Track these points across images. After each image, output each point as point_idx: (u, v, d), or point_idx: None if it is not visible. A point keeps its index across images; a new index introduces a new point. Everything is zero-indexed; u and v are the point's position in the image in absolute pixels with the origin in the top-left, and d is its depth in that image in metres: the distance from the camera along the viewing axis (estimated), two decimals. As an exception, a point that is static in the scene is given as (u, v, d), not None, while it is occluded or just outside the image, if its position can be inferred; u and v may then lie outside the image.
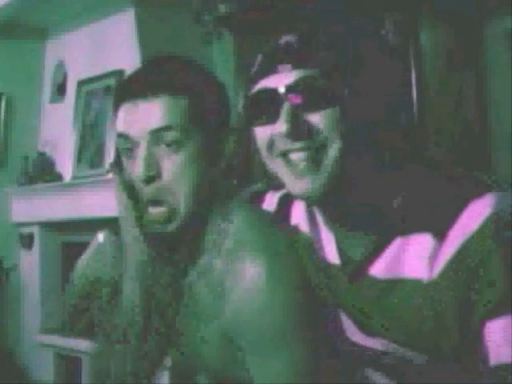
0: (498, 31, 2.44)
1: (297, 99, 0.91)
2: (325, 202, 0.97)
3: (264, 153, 0.98)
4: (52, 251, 3.92)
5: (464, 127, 2.38)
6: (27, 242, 3.93)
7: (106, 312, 1.10)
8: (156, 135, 1.00)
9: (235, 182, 1.12)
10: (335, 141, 0.91)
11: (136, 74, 1.07)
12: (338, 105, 0.90)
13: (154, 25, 3.43)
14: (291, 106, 0.91)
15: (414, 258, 0.94)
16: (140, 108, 1.01)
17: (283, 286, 0.98)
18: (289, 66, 0.91)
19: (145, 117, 1.01)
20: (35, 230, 3.91)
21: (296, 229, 1.09)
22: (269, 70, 0.94)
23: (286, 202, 1.15)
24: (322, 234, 1.06)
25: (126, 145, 1.03)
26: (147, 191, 1.01)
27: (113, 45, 3.52)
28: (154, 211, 1.02)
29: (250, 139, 1.02)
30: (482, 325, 0.89)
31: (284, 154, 0.95)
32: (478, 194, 0.90)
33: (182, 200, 1.02)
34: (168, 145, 1.01)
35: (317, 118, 0.91)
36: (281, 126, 0.91)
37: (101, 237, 1.15)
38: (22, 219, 3.92)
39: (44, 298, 3.86)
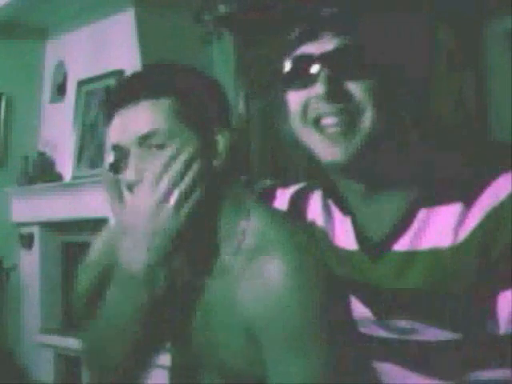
0: (498, 31, 2.44)
1: (337, 73, 0.93)
2: (354, 170, 0.98)
3: (296, 120, 0.99)
4: (52, 251, 3.92)
5: (464, 127, 2.38)
6: (27, 242, 3.93)
7: None
8: (143, 141, 1.02)
9: (244, 178, 1.11)
10: (369, 109, 0.93)
11: (118, 87, 1.09)
12: (376, 76, 0.93)
13: (154, 25, 3.43)
14: (329, 70, 0.93)
15: (438, 227, 0.95)
16: (124, 117, 1.04)
17: (310, 284, 0.98)
18: (330, 33, 0.94)
19: (129, 124, 1.03)
20: (35, 230, 3.91)
21: (312, 224, 1.09)
22: (309, 36, 0.96)
23: (299, 200, 1.15)
24: (337, 222, 1.06)
25: (120, 155, 1.05)
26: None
27: (113, 45, 3.52)
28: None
29: (249, 139, 1.02)
30: (494, 296, 0.90)
31: (316, 122, 0.96)
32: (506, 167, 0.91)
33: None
34: (157, 148, 1.01)
35: (353, 86, 0.93)
36: (318, 88, 0.93)
37: (110, 226, 1.16)
38: (22, 219, 3.92)
39: (44, 298, 3.86)
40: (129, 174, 1.02)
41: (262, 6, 2.74)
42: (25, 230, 3.95)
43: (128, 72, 1.14)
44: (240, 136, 1.02)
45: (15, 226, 3.97)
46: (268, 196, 1.19)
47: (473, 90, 2.42)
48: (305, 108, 0.96)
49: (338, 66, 0.93)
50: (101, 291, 1.08)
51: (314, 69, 0.94)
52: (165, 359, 2.81)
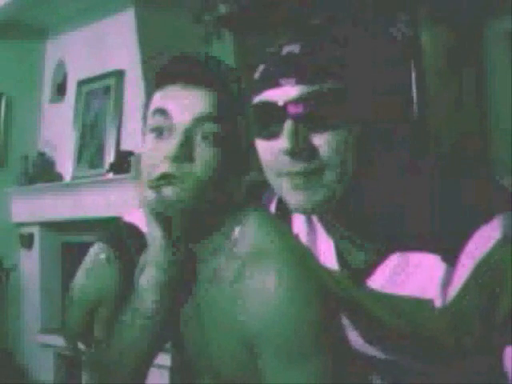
0: (498, 31, 2.44)
1: (297, 109, 0.88)
2: (322, 214, 0.97)
3: (265, 168, 0.97)
4: (52, 251, 3.92)
5: (464, 127, 2.38)
6: (27, 242, 3.93)
7: (109, 331, 1.08)
8: (197, 123, 0.98)
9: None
10: (334, 167, 0.89)
11: (187, 61, 1.04)
12: (342, 125, 0.88)
13: (154, 25, 3.42)
14: (293, 122, 0.89)
15: (422, 279, 0.92)
16: (189, 94, 0.99)
17: (307, 290, 0.96)
18: (292, 80, 0.89)
19: (191, 102, 0.99)
20: (35, 230, 3.91)
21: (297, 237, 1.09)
22: (272, 82, 0.91)
23: (284, 208, 1.14)
24: (320, 240, 1.06)
25: (161, 122, 1.00)
26: (168, 167, 0.98)
27: (113, 45, 3.52)
28: (169, 190, 0.98)
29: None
30: (502, 350, 0.88)
31: (283, 172, 0.93)
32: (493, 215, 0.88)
33: (204, 189, 0.98)
34: (204, 137, 0.98)
35: (318, 140, 0.89)
36: (282, 143, 0.89)
37: (95, 252, 1.10)
38: (22, 219, 3.92)
39: (44, 298, 3.86)
40: (170, 147, 0.98)
41: (262, 5, 2.74)
42: (25, 230, 3.95)
43: (128, 72, 1.12)
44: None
45: (15, 225, 3.97)
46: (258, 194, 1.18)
47: (473, 90, 2.42)
48: (272, 159, 0.94)
49: (302, 118, 0.88)
50: (92, 325, 1.07)
51: (278, 119, 0.90)
52: (165, 359, 2.81)
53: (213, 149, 0.99)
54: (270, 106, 0.91)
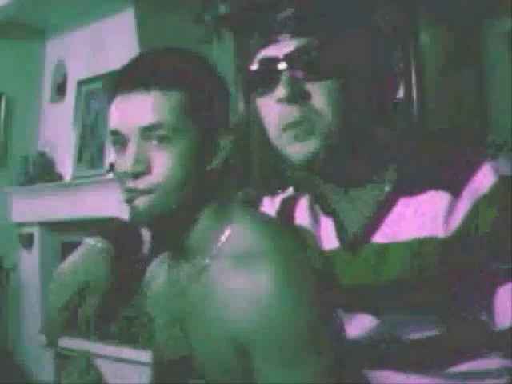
0: (498, 31, 2.44)
1: (298, 74, 0.95)
2: (323, 166, 1.00)
3: (267, 125, 1.01)
4: (52, 251, 3.92)
5: (464, 127, 2.38)
6: (27, 242, 3.93)
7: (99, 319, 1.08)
8: (146, 132, 0.98)
9: (233, 182, 1.11)
10: (328, 111, 0.95)
11: (128, 68, 1.03)
12: (336, 75, 0.95)
13: (154, 25, 3.42)
14: (289, 72, 0.95)
15: (424, 216, 0.96)
16: (130, 103, 0.99)
17: (299, 290, 0.96)
18: (287, 35, 0.95)
19: (135, 113, 0.98)
20: (35, 230, 3.91)
21: (299, 227, 1.10)
22: (268, 40, 0.98)
23: (287, 206, 1.16)
24: (321, 223, 1.08)
25: (117, 141, 1.01)
26: (130, 182, 0.99)
27: (113, 45, 3.52)
28: (140, 200, 1.00)
29: (248, 139, 1.03)
30: (491, 289, 0.92)
31: (283, 124, 0.98)
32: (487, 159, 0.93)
33: (171, 195, 0.99)
34: (159, 141, 0.98)
35: (313, 87, 0.95)
36: (280, 91, 0.96)
37: (89, 242, 1.10)
38: (22, 219, 3.92)
39: (44, 298, 3.86)
40: (127, 164, 0.98)
41: (262, 5, 2.74)
42: (25, 230, 3.95)
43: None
44: (237, 136, 1.02)
45: (15, 226, 3.97)
46: (254, 205, 1.20)
47: (473, 90, 2.42)
48: (272, 112, 0.98)
49: (298, 68, 0.95)
50: (76, 311, 1.06)
51: (276, 71, 0.96)
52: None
53: (170, 150, 0.98)
54: (267, 62, 0.97)
